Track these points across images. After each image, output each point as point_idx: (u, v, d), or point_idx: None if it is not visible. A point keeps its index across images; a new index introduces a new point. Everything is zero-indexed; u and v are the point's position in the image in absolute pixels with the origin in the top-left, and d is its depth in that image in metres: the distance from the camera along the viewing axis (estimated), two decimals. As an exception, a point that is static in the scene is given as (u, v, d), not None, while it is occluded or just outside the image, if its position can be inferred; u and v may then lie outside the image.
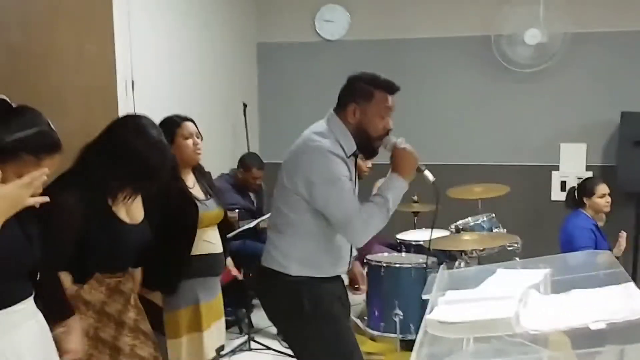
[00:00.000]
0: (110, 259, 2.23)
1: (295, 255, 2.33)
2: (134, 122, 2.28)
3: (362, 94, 2.32)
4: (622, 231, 3.95)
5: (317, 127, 2.38)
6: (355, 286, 2.76)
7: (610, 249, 3.83)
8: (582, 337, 1.38)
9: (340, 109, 2.37)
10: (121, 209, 2.24)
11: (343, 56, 5.51)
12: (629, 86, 4.99)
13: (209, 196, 2.87)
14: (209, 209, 2.82)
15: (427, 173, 2.32)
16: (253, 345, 4.23)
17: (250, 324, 4.44)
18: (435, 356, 1.50)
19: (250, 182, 4.59)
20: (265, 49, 5.71)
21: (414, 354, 1.48)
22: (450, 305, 1.62)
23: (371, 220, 2.23)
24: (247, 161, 4.61)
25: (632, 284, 1.54)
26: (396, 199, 2.28)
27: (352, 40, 5.50)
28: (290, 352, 4.19)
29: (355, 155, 2.38)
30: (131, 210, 2.29)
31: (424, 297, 1.84)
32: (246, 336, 4.26)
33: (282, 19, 5.64)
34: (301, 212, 2.30)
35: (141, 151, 2.17)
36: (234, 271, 3.66)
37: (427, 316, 1.57)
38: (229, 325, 3.79)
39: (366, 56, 5.42)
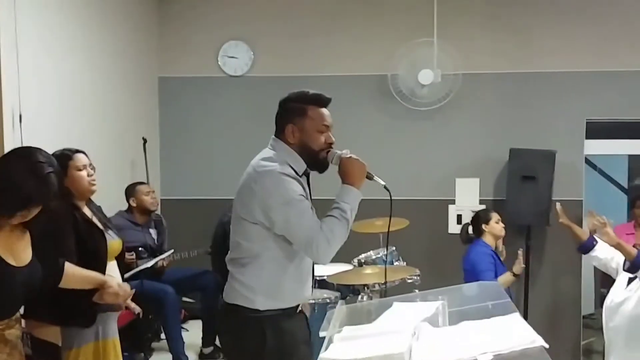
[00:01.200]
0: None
1: (260, 288, 2.27)
2: (16, 153, 2.20)
3: (295, 113, 2.34)
4: (520, 249, 4.18)
5: (263, 154, 2.37)
6: None
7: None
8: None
9: (279, 132, 2.37)
10: (6, 250, 2.09)
11: (247, 92, 5.52)
12: (517, 124, 5.30)
13: (107, 228, 2.82)
14: (113, 239, 2.76)
15: (377, 178, 2.34)
16: (151, 390, 4.04)
17: (149, 369, 4.25)
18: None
19: (146, 203, 4.42)
20: (167, 83, 5.61)
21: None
22: (345, 342, 1.62)
23: (333, 234, 2.19)
24: (129, 188, 4.48)
25: (517, 314, 1.60)
26: (353, 208, 2.26)
27: (256, 76, 5.52)
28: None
29: (306, 174, 2.38)
30: (17, 251, 2.14)
31: (321, 334, 1.83)
32: (144, 382, 4.07)
33: (185, 54, 5.58)
34: (261, 241, 2.26)
35: (15, 180, 2.05)
36: (135, 308, 3.48)
37: (322, 354, 1.56)
38: (125, 371, 3.60)
39: (270, 92, 5.36)
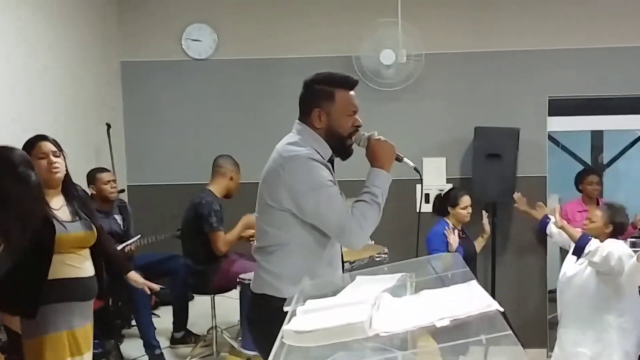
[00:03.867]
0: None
1: (287, 275, 2.21)
2: None
3: (322, 97, 2.25)
4: (485, 213, 4.36)
5: (289, 138, 2.28)
6: None
7: (466, 251, 4.12)
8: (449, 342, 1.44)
9: (304, 116, 2.28)
10: None
11: (211, 75, 5.47)
12: (481, 103, 5.37)
13: (77, 218, 2.77)
14: (68, 231, 2.69)
15: (406, 160, 2.30)
16: (122, 377, 4.02)
17: (120, 356, 4.22)
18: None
19: (105, 192, 4.35)
20: (130, 67, 5.53)
21: (270, 366, 1.46)
22: (308, 315, 1.63)
23: (366, 219, 2.14)
24: (89, 175, 4.41)
25: (474, 282, 1.64)
26: (384, 192, 2.22)
27: (220, 59, 5.47)
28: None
29: (331, 160, 2.32)
30: None
31: (285, 309, 1.84)
32: (115, 368, 4.05)
33: (148, 37, 5.49)
34: (289, 228, 2.20)
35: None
36: (147, 284, 3.45)
37: (284, 327, 1.57)
38: (95, 359, 3.57)
39: (235, 75, 5.43)
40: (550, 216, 3.68)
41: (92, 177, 4.38)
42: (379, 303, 1.61)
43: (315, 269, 2.21)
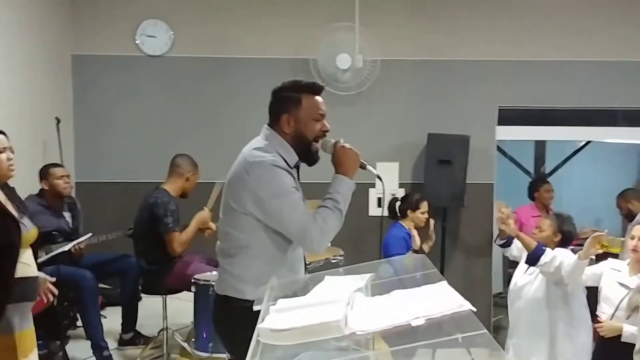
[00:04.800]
0: None
1: (249, 278, 2.23)
2: None
3: (290, 102, 2.30)
4: (431, 220, 4.48)
5: (255, 143, 2.32)
6: None
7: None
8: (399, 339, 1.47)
9: (274, 122, 2.33)
10: None
11: (166, 72, 5.39)
12: (434, 110, 5.50)
13: (22, 215, 2.68)
14: (27, 229, 2.62)
15: (370, 168, 2.35)
16: (69, 379, 3.90)
17: (66, 357, 4.09)
18: (268, 365, 1.50)
19: (59, 187, 4.23)
20: (82, 61, 5.38)
21: (246, 364, 1.46)
22: (282, 313, 1.64)
23: (327, 225, 2.19)
24: (42, 169, 4.29)
25: (445, 283, 1.68)
26: (347, 198, 2.27)
27: (176, 56, 5.40)
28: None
29: (297, 166, 2.35)
30: None
31: (255, 308, 1.84)
32: (60, 370, 3.92)
33: (101, 31, 5.36)
34: (252, 231, 2.23)
35: None
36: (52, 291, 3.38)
37: (259, 325, 1.57)
38: (40, 360, 3.46)
39: (190, 73, 5.37)
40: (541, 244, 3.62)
41: (45, 172, 4.25)
42: (352, 302, 1.63)
43: (276, 272, 2.23)
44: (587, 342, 3.55)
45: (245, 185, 2.21)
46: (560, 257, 3.35)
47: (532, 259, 3.42)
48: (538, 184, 5.69)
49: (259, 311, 2.18)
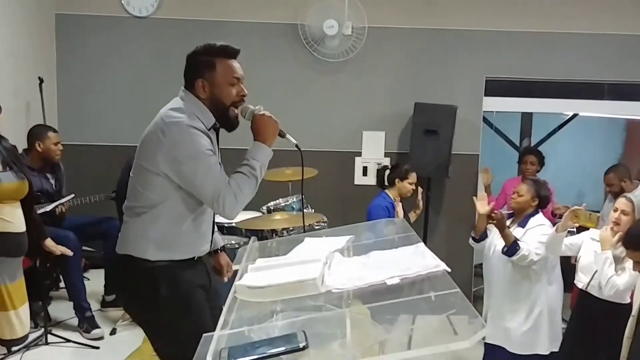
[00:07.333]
0: None
1: (153, 238, 2.21)
2: None
3: (204, 67, 2.26)
4: (419, 187, 4.49)
5: (172, 104, 2.27)
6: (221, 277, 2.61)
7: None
8: (380, 309, 1.49)
9: (189, 87, 2.29)
10: None
11: (152, 34, 5.31)
12: (422, 79, 5.47)
13: (7, 168, 2.65)
14: (2, 181, 2.59)
15: (289, 136, 2.31)
16: (51, 338, 3.92)
17: (48, 317, 4.11)
18: (243, 321, 1.51)
19: (53, 152, 4.22)
20: (65, 20, 5.27)
21: (221, 319, 1.47)
22: (260, 272, 1.65)
23: (241, 191, 2.16)
24: (38, 130, 4.24)
25: (422, 244, 1.70)
26: (263, 166, 2.24)
27: (161, 18, 5.31)
28: (91, 343, 4.00)
29: (215, 128, 2.31)
30: None
31: (234, 267, 1.85)
32: (42, 330, 3.93)
33: (85, -10, 5.26)
34: (162, 192, 2.19)
35: None
36: (61, 250, 3.56)
37: (236, 282, 1.58)
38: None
39: (176, 36, 5.28)
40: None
41: (42, 134, 4.21)
42: (330, 262, 1.64)
43: (182, 234, 2.25)
44: (558, 294, 3.70)
45: (160, 146, 2.17)
46: (532, 257, 3.50)
47: (509, 251, 3.55)
48: (523, 155, 5.69)
49: (158, 271, 2.21)
